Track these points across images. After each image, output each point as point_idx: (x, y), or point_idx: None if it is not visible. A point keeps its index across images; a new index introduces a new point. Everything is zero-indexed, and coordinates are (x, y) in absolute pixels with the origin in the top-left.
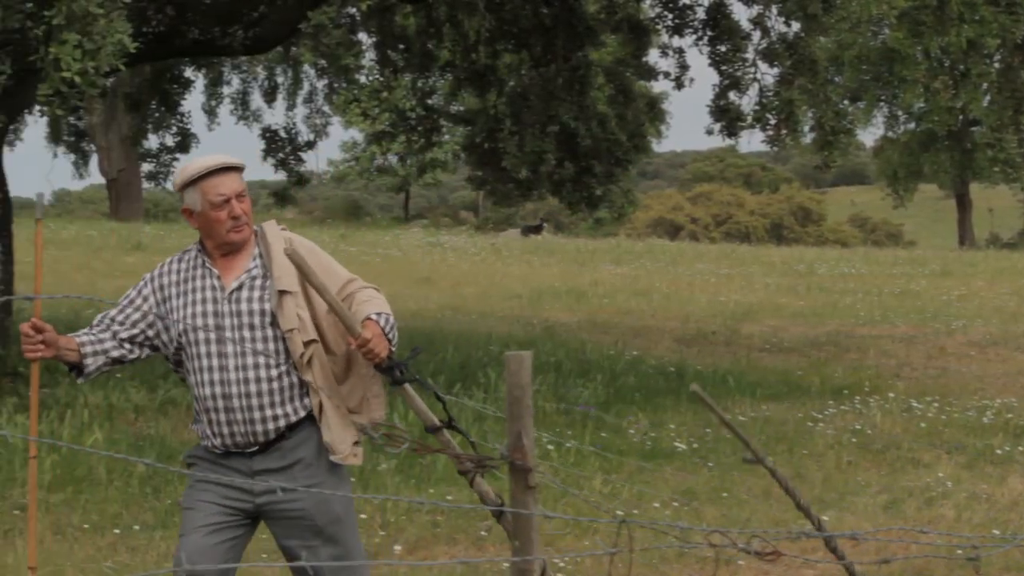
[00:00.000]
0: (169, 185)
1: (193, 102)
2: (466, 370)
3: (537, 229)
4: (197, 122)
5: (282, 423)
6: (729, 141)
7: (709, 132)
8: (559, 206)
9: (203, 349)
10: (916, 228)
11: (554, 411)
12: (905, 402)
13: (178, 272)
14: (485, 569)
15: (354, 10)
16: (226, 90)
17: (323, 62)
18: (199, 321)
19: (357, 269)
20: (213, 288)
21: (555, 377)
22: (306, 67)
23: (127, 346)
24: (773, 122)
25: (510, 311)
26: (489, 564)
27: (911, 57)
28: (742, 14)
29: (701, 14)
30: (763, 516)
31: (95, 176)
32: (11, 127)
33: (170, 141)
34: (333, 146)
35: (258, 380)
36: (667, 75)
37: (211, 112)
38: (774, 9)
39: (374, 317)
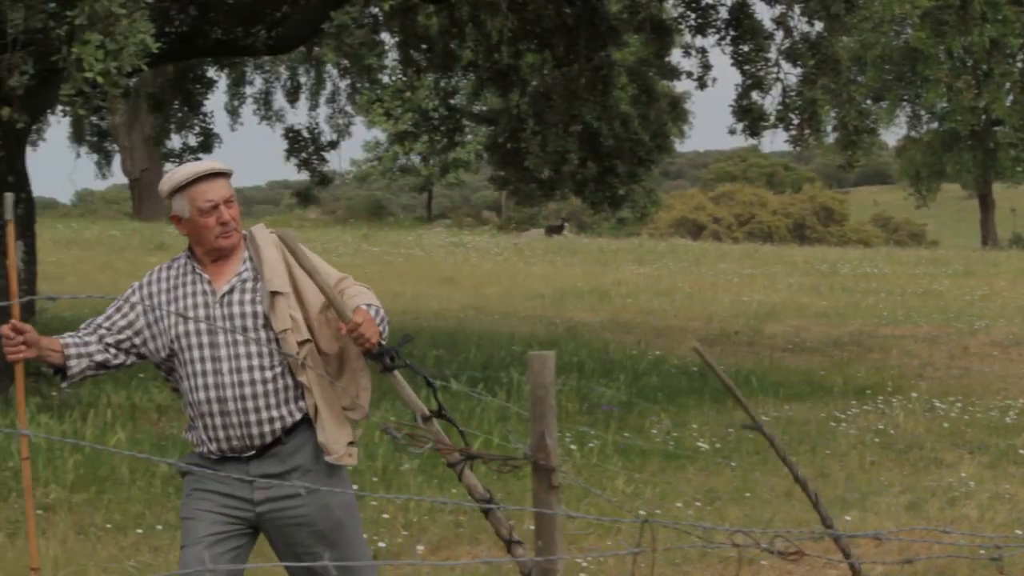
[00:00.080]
0: None
1: (216, 102)
2: (489, 370)
3: (558, 229)
4: (220, 122)
5: (278, 425)
6: (752, 141)
7: (732, 132)
8: (582, 206)
9: (196, 354)
10: (939, 228)
11: (577, 411)
12: (928, 402)
13: (167, 280)
14: (508, 569)
15: (377, 10)
16: (249, 90)
17: (346, 62)
18: (191, 327)
19: (380, 269)
20: (204, 293)
21: (578, 377)
22: (329, 67)
23: (112, 351)
24: (796, 122)
25: (533, 311)
26: (512, 564)
27: (934, 57)
28: (765, 14)
29: (724, 14)
30: (786, 516)
31: (118, 176)
32: (34, 127)
33: (193, 141)
34: (356, 146)
35: (252, 382)
36: (690, 75)
37: (234, 112)
38: (797, 9)
39: (364, 307)
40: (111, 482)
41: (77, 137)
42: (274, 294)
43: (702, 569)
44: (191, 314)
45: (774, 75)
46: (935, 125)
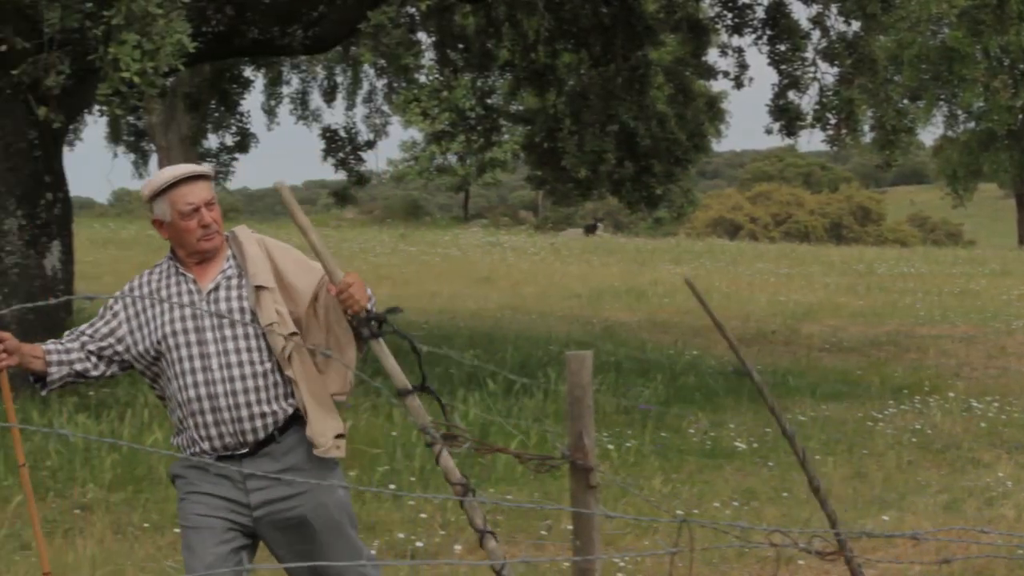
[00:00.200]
0: (229, 185)
1: (252, 102)
2: (526, 370)
3: (592, 228)
4: (256, 122)
5: (270, 421)
6: (788, 140)
7: (768, 131)
8: (618, 205)
9: (184, 352)
10: (975, 227)
11: (614, 411)
12: (965, 402)
13: (149, 284)
14: (545, 569)
15: (413, 10)
16: (285, 90)
17: (383, 61)
18: (177, 325)
19: (417, 269)
20: (190, 292)
21: (615, 377)
22: (366, 67)
23: (92, 359)
24: (833, 121)
25: (570, 311)
26: (550, 563)
27: (970, 56)
28: (801, 13)
29: (760, 13)
30: (823, 516)
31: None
32: (71, 127)
33: (229, 141)
34: (392, 146)
35: (243, 377)
36: (726, 74)
37: (270, 112)
38: (833, 8)
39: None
40: (148, 481)
41: (114, 137)
42: (259, 288)
43: (739, 569)
44: (177, 313)
45: (811, 75)
46: (972, 125)
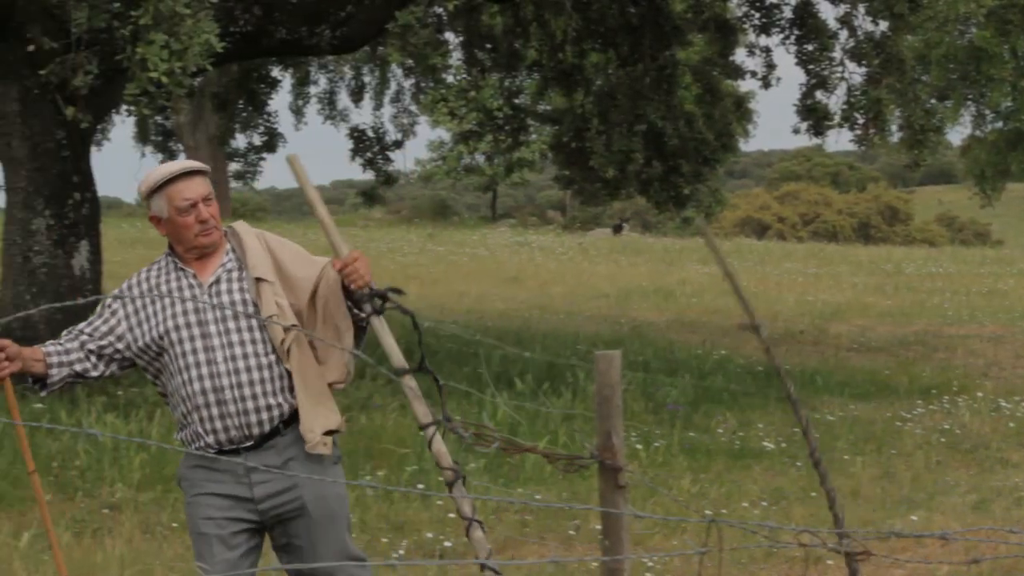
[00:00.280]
0: (256, 184)
1: (280, 102)
2: (554, 369)
3: (618, 228)
4: (284, 122)
5: (276, 413)
6: (816, 140)
7: (796, 131)
8: (646, 205)
9: (188, 346)
10: (1004, 227)
11: (642, 410)
12: (993, 402)
13: (148, 281)
14: (574, 569)
15: (441, 10)
16: (313, 90)
17: (410, 61)
18: (180, 320)
19: (445, 269)
20: (191, 286)
21: (643, 376)
22: (393, 66)
23: (92, 359)
24: (861, 121)
25: (597, 310)
26: (578, 563)
27: (998, 56)
28: (829, 13)
29: (788, 13)
30: (851, 516)
31: None
32: (98, 127)
33: (257, 141)
34: (420, 145)
35: (248, 370)
36: (754, 74)
37: (298, 112)
38: (861, 8)
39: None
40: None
41: (142, 137)
42: (259, 280)
43: (768, 569)
44: (179, 308)
45: (839, 74)
46: (999, 124)
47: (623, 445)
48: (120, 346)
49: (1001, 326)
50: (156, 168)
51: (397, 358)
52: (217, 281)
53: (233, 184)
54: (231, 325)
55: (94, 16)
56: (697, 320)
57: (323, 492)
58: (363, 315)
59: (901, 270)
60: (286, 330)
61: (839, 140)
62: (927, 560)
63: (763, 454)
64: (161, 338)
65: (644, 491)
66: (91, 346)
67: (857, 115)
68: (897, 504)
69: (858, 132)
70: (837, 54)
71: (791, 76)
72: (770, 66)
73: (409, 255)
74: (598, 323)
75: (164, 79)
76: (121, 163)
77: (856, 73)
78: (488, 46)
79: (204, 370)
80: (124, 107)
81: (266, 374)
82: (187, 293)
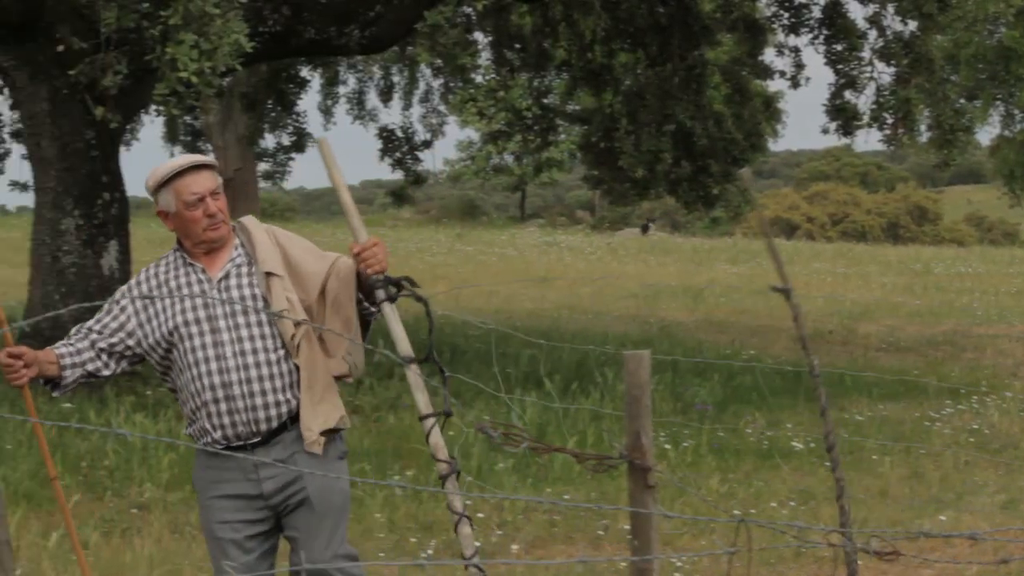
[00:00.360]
0: (285, 184)
1: (309, 101)
2: (582, 369)
3: (644, 229)
4: (313, 121)
5: (284, 410)
6: (845, 140)
7: (825, 131)
8: (675, 205)
9: (197, 341)
10: None
11: (671, 410)
12: (1022, 402)
13: (156, 276)
14: (602, 568)
15: (470, 9)
16: (342, 90)
17: (439, 61)
18: (189, 315)
19: (473, 268)
20: (200, 281)
21: (672, 376)
22: (422, 66)
23: (103, 358)
24: (890, 121)
25: (626, 310)
26: (607, 563)
27: None
28: (858, 13)
29: (817, 13)
30: (880, 516)
31: None
32: (127, 127)
33: (286, 140)
34: (449, 145)
35: (258, 365)
36: (783, 74)
37: (327, 112)
38: (890, 8)
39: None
40: None
41: (170, 137)
42: (269, 275)
43: (796, 569)
44: (188, 303)
45: (868, 74)
46: None
47: (652, 445)
48: (131, 343)
49: None
50: (163, 163)
51: (404, 347)
52: (226, 276)
53: (262, 184)
54: (240, 320)
55: (123, 16)
56: (726, 320)
57: (327, 485)
58: (373, 309)
59: (930, 270)
60: (296, 325)
61: (868, 140)
62: (956, 560)
63: (792, 454)
64: (170, 334)
65: (672, 491)
66: (102, 344)
67: (886, 115)
68: (926, 504)
69: (887, 132)
70: (866, 54)
71: (820, 76)
72: (799, 66)
73: (438, 255)
74: (627, 323)
75: (194, 79)
76: (150, 163)
77: (885, 73)
78: (517, 46)
79: (213, 366)
80: (153, 107)
81: (275, 370)
82: (196, 288)
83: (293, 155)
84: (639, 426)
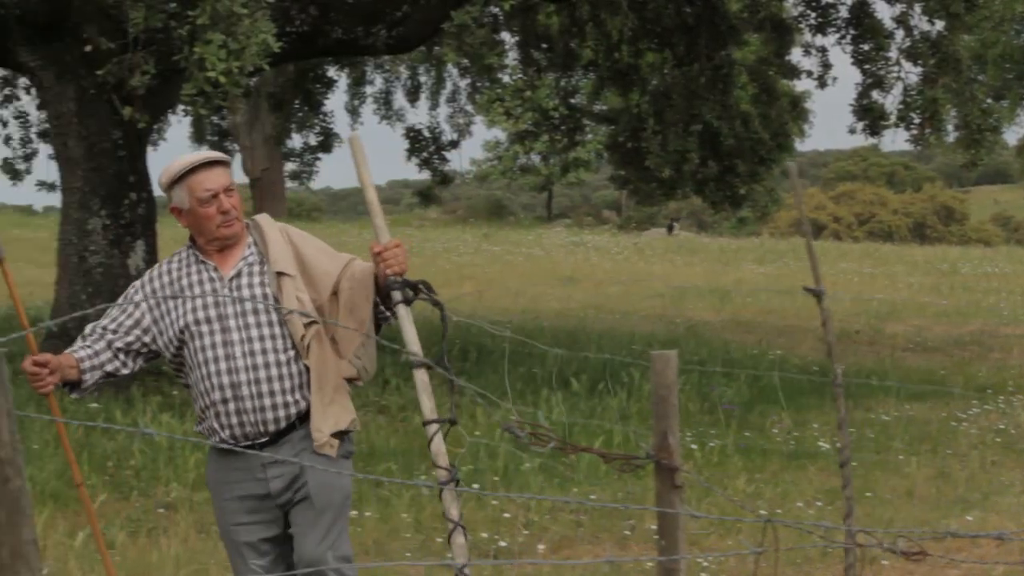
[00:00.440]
0: (312, 184)
1: (336, 101)
2: (609, 369)
3: (668, 228)
4: (340, 121)
5: (293, 411)
6: (872, 140)
7: (852, 131)
8: (702, 205)
9: (207, 340)
10: None
11: (698, 410)
12: None
13: (169, 273)
14: (629, 568)
15: (497, 10)
16: (369, 90)
17: (466, 61)
18: (200, 314)
19: (500, 268)
20: (211, 279)
21: (698, 376)
22: (449, 66)
23: (121, 357)
24: (917, 121)
25: (653, 310)
26: (634, 563)
27: None
28: (885, 13)
29: (844, 13)
30: (907, 516)
31: (238, 175)
32: (154, 127)
33: (313, 140)
34: (476, 145)
35: (267, 366)
36: (810, 74)
37: (354, 111)
38: (917, 8)
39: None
40: None
41: (198, 137)
42: (280, 275)
43: (823, 569)
44: (199, 301)
45: (895, 74)
46: None
47: (679, 445)
48: (147, 339)
49: None
50: (175, 159)
51: (415, 350)
52: (238, 275)
53: (289, 184)
54: (251, 320)
55: (151, 16)
56: (752, 320)
57: (328, 481)
58: (387, 313)
59: (957, 270)
60: (306, 326)
61: (895, 140)
62: (982, 560)
63: (818, 454)
64: (181, 332)
65: (699, 491)
66: (118, 344)
67: (913, 115)
68: (952, 504)
69: (914, 132)
70: (893, 54)
71: (847, 76)
72: (826, 66)
73: (464, 255)
74: (653, 323)
75: (222, 79)
76: None
77: (912, 73)
78: (544, 46)
79: (223, 365)
80: (180, 107)
81: (284, 371)
82: (207, 287)
83: (320, 155)
84: (666, 426)
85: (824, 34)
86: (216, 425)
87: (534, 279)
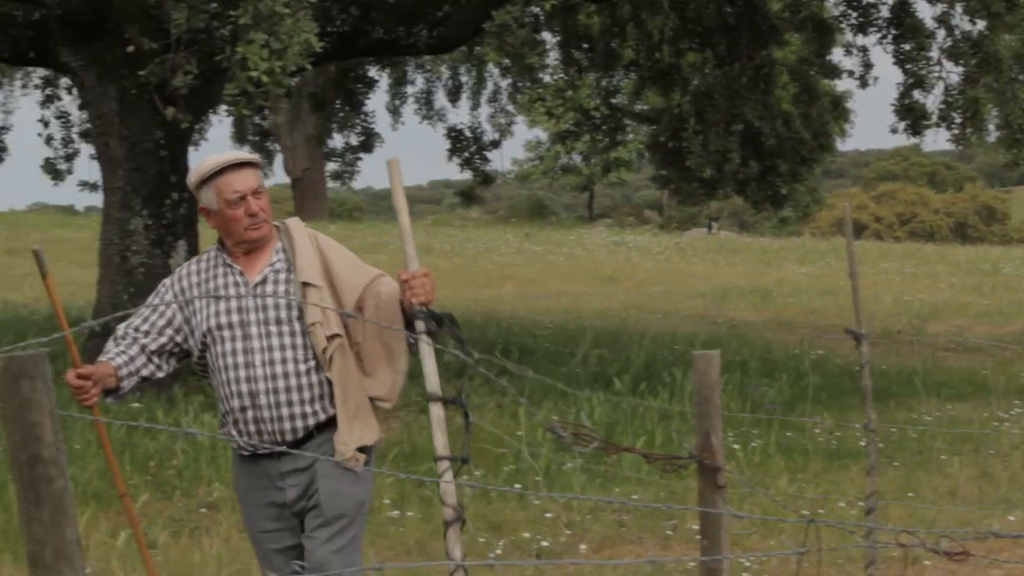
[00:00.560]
0: (353, 184)
1: (377, 101)
2: (651, 369)
3: (708, 228)
4: (381, 121)
5: (311, 422)
6: (913, 140)
7: (893, 131)
8: (743, 205)
9: (228, 347)
10: None
11: (739, 410)
12: None
13: (197, 274)
14: (671, 568)
15: (538, 9)
16: (410, 89)
17: (507, 61)
18: (223, 319)
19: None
20: (236, 284)
21: (740, 376)
22: (490, 66)
23: (155, 361)
24: (958, 120)
25: (694, 310)
26: (676, 563)
27: None
28: (926, 12)
29: (885, 12)
30: (949, 516)
31: (280, 175)
32: (196, 126)
33: (354, 140)
34: (517, 145)
35: (286, 375)
36: (851, 73)
37: (395, 111)
38: (958, 7)
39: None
40: None
41: (239, 137)
42: (306, 285)
43: (865, 569)
44: (223, 305)
45: (936, 74)
46: None
47: (722, 445)
48: (179, 339)
49: None
50: (205, 159)
51: (433, 384)
52: (264, 281)
53: (330, 184)
54: (272, 328)
55: (193, 16)
56: (794, 320)
57: (337, 489)
58: (412, 340)
59: (998, 270)
60: (329, 339)
61: (936, 140)
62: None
63: (860, 454)
64: (205, 335)
65: (741, 491)
66: (152, 347)
67: (954, 114)
68: (994, 504)
69: (955, 131)
70: (934, 53)
71: (888, 75)
72: (867, 65)
73: (506, 255)
74: (695, 323)
75: (264, 78)
76: None
77: (953, 72)
78: (585, 46)
79: (242, 373)
80: (222, 107)
81: (303, 381)
82: (232, 291)
83: (361, 155)
84: (709, 426)
85: (865, 34)
86: (235, 432)
87: (576, 279)
